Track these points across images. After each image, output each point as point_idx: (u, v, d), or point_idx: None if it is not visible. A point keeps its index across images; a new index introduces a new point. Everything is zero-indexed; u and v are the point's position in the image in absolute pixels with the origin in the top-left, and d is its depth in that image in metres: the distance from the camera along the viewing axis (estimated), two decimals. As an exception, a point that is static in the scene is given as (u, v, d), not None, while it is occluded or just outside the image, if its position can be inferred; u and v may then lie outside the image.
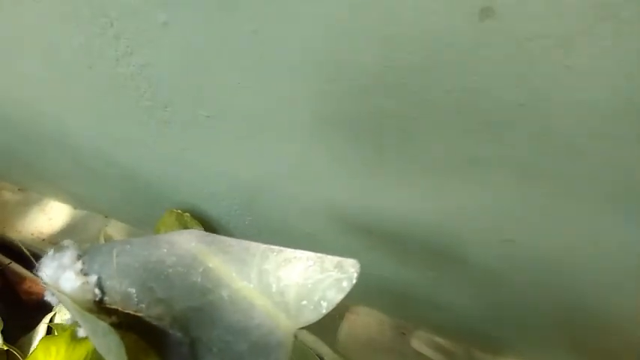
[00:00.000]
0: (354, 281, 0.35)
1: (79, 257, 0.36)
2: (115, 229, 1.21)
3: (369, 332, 1.06)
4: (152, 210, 1.03)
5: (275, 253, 0.37)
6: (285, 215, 0.82)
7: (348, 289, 0.35)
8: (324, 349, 0.88)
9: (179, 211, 0.92)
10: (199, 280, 0.34)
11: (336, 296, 0.34)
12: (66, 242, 0.37)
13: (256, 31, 0.49)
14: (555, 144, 0.47)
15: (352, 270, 0.36)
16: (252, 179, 0.76)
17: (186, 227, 0.93)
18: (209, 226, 0.97)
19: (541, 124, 0.46)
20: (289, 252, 0.37)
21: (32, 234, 1.21)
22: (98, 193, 1.13)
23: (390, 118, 0.52)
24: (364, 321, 1.05)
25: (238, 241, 0.39)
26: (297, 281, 0.34)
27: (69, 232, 1.24)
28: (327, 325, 1.06)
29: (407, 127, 0.52)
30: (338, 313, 1.06)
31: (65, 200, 1.27)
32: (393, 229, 0.71)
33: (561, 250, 0.60)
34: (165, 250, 0.36)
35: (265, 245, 0.38)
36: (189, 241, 0.37)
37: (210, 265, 0.35)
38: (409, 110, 0.50)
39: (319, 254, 0.37)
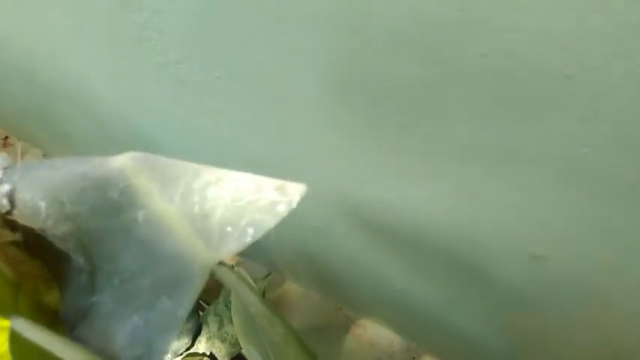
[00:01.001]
0: (294, 205, 0.28)
1: (4, 168, 0.31)
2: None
3: (376, 351, 0.97)
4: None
5: (209, 172, 0.30)
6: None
7: (283, 214, 0.28)
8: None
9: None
10: (116, 196, 0.28)
11: (266, 222, 0.27)
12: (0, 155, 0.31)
13: (271, -31, 0.43)
14: (610, 135, 0.39)
15: (295, 193, 0.28)
16: (261, 158, 0.70)
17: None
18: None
19: (592, 106, 0.38)
20: (226, 171, 0.30)
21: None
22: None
23: (413, 87, 0.45)
24: (371, 337, 0.96)
25: (176, 160, 0.32)
26: (225, 202, 0.27)
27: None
28: (329, 338, 0.98)
29: (431, 100, 0.45)
30: (343, 325, 0.98)
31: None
32: (408, 229, 0.63)
33: (605, 275, 0.50)
34: (92, 166, 0.30)
35: (202, 165, 0.31)
36: (124, 158, 0.31)
37: (134, 181, 0.29)
38: (435, 78, 0.43)
39: (260, 176, 0.29)
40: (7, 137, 1.37)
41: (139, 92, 0.74)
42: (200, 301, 0.93)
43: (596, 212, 0.44)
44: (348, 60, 0.46)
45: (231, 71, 0.58)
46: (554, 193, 0.45)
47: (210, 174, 0.29)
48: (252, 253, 1.05)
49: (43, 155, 1.31)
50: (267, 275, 0.88)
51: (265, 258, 1.03)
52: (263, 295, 0.87)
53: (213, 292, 0.92)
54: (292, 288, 1.04)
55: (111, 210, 0.28)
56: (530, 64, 0.37)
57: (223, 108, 0.65)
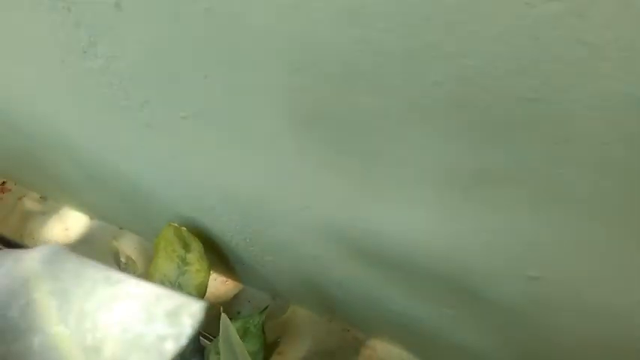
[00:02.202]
0: (184, 343, 0.24)
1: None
2: (127, 241, 1.16)
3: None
4: (158, 222, 0.96)
5: (106, 285, 0.27)
6: (284, 234, 0.73)
7: (171, 353, 0.24)
8: None
9: (176, 224, 0.84)
10: (16, 316, 0.25)
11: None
12: None
13: (209, 9, 0.41)
14: (585, 157, 0.35)
15: (188, 323, 0.24)
16: (243, 191, 0.67)
17: (185, 242, 0.86)
18: (210, 242, 0.89)
19: (562, 129, 0.34)
20: (125, 285, 0.26)
21: (48, 242, 1.18)
22: (110, 203, 1.08)
23: (372, 117, 0.42)
24: (382, 357, 0.93)
25: (83, 262, 0.29)
26: (114, 334, 0.25)
27: (84, 241, 1.20)
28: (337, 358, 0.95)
29: (393, 129, 0.42)
30: (352, 346, 0.95)
31: (82, 210, 1.23)
32: (398, 253, 0.60)
33: (601, 294, 0.47)
34: (3, 270, 0.27)
35: (105, 271, 0.28)
36: (34, 259, 0.28)
37: (35, 295, 0.26)
38: (392, 108, 0.40)
39: (161, 291, 0.26)
40: (4, 182, 1.36)
41: (111, 137, 0.72)
42: (202, 338, 0.91)
43: (579, 231, 0.41)
44: (304, 93, 0.43)
45: (194, 110, 0.55)
46: (536, 215, 0.42)
47: (105, 291, 0.26)
48: (254, 280, 1.03)
49: (40, 197, 1.30)
50: (265, 308, 0.85)
51: (267, 285, 1.01)
52: (262, 327, 0.84)
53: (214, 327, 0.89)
54: (298, 312, 1.01)
55: (10, 334, 0.25)
56: (489, 89, 0.34)
57: (192, 148, 0.62)
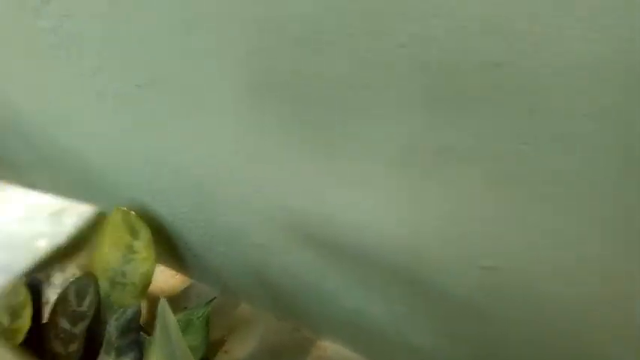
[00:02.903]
0: (63, 240, 0.22)
1: None
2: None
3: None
4: (109, 207, 0.92)
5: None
6: (236, 221, 0.70)
7: (46, 251, 0.22)
8: None
9: (125, 209, 0.80)
10: None
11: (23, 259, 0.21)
12: None
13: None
14: (550, 130, 0.35)
15: (70, 222, 0.23)
16: (196, 171, 0.64)
17: (133, 229, 0.82)
18: (161, 229, 0.85)
19: (526, 99, 0.34)
20: (13, 191, 0.24)
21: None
22: (60, 186, 1.03)
23: (335, 84, 0.40)
24: (332, 358, 0.91)
25: None
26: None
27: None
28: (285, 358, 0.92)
29: (356, 97, 0.41)
30: (301, 346, 0.92)
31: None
32: (351, 243, 0.58)
33: (556, 285, 0.46)
34: None
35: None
36: None
37: None
38: (356, 73, 0.39)
39: (52, 197, 0.24)
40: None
41: (62, 109, 0.69)
42: (142, 333, 0.86)
43: (539, 215, 0.41)
44: (263, 57, 0.42)
45: (149, 77, 0.53)
46: (495, 195, 0.41)
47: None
48: (204, 274, 0.99)
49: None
50: (211, 300, 0.82)
51: (217, 280, 0.98)
52: (207, 321, 0.81)
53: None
54: (247, 310, 0.98)
55: None
56: (454, 53, 0.33)
57: (145, 120, 0.60)
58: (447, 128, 0.39)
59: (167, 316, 0.54)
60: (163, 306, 0.54)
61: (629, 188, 0.35)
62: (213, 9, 0.40)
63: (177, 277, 1.05)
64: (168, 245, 0.91)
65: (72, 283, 0.89)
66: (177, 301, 1.01)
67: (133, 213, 0.80)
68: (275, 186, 0.58)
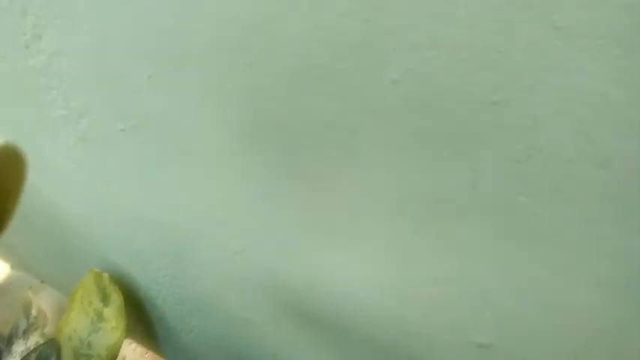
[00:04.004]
0: None
1: None
2: (46, 295, 1.04)
3: None
4: (80, 272, 0.87)
5: None
6: (216, 288, 0.65)
7: None
8: None
9: (98, 270, 0.75)
10: None
11: None
12: None
13: (162, -11, 0.38)
14: (551, 178, 0.32)
15: None
16: (178, 227, 0.60)
17: (104, 293, 0.76)
18: (135, 297, 0.80)
19: (526, 140, 0.31)
20: None
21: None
22: (32, 249, 0.98)
23: (324, 126, 0.38)
24: None
25: None
26: None
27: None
28: None
29: (346, 141, 0.38)
30: None
31: (3, 257, 1.12)
32: (337, 314, 0.53)
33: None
34: None
35: None
36: None
37: None
38: (346, 113, 0.36)
39: None
40: None
41: (42, 157, 0.66)
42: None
43: (543, 281, 0.36)
44: (255, 95, 0.40)
45: (134, 121, 0.51)
46: (493, 257, 0.37)
47: None
48: (177, 353, 0.91)
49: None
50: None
51: (190, 357, 0.90)
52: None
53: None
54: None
55: None
56: (450, 90, 0.31)
57: (128, 169, 0.57)
58: (439, 176, 0.36)
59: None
60: None
61: (646, 246, 0.31)
62: (210, 42, 0.39)
63: (148, 355, 0.96)
64: (141, 318, 0.85)
65: (33, 351, 0.82)
66: (145, 382, 0.93)
67: (107, 275, 0.75)
68: (259, 245, 0.54)
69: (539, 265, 0.36)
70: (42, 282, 1.08)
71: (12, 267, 1.11)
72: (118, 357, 0.77)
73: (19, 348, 0.89)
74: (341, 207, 0.43)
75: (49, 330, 0.90)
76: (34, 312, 0.91)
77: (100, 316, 0.78)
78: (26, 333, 0.91)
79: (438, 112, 0.32)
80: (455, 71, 0.30)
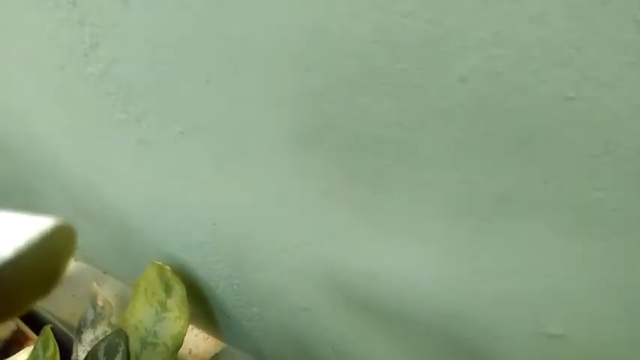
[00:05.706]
0: None
1: None
2: (109, 286, 1.09)
3: None
4: (143, 265, 0.90)
5: None
6: (275, 279, 0.66)
7: None
8: None
9: (160, 263, 0.78)
10: None
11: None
12: None
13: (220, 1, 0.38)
14: (630, 173, 0.31)
15: None
16: (234, 224, 0.62)
17: (167, 285, 0.79)
18: (195, 287, 0.82)
19: (603, 136, 0.30)
20: None
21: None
22: (95, 242, 1.03)
23: (385, 126, 0.38)
24: None
25: None
26: None
27: (64, 283, 1.13)
28: None
29: (407, 141, 0.38)
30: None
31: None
32: (400, 307, 0.53)
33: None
34: None
35: None
36: None
37: None
38: (408, 113, 0.36)
39: None
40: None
41: (102, 159, 0.69)
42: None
43: (619, 274, 0.35)
44: (312, 97, 0.40)
45: (192, 123, 0.52)
46: (566, 253, 0.37)
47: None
48: (238, 338, 0.94)
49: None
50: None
51: (252, 346, 0.92)
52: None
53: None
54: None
55: None
56: (521, 87, 0.30)
57: (185, 169, 0.58)
58: (508, 174, 0.35)
59: None
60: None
61: None
62: (265, 46, 0.39)
63: (209, 340, 1.00)
64: (202, 306, 0.88)
65: (102, 341, 0.86)
66: (208, 366, 0.96)
67: (169, 268, 0.77)
68: (318, 240, 0.54)
69: (615, 261, 0.35)
70: (104, 273, 1.13)
71: (75, 260, 1.16)
72: (181, 343, 0.80)
73: (89, 337, 0.94)
74: (401, 205, 0.43)
75: (114, 320, 0.94)
76: (100, 303, 0.96)
77: (163, 307, 0.81)
78: (94, 323, 0.95)
79: (508, 111, 0.32)
80: (524, 67, 0.30)
